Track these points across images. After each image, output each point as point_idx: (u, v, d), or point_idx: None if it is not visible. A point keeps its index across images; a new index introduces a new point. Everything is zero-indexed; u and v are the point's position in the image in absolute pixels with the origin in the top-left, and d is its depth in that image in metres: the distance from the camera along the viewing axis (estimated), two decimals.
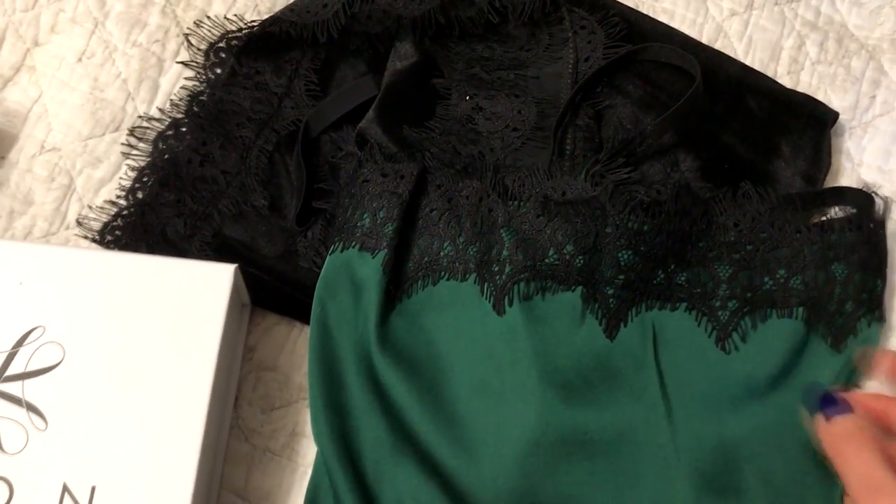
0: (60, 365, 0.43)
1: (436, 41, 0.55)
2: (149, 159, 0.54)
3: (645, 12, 0.57)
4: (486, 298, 0.47)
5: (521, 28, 0.55)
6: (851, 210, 0.48)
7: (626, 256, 0.46)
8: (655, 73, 0.55)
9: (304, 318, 0.49)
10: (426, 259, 0.48)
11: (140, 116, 0.55)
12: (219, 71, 0.55)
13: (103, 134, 0.55)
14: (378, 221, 0.48)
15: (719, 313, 0.47)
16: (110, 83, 0.56)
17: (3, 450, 0.41)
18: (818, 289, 0.46)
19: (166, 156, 0.53)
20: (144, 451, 0.42)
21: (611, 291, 0.47)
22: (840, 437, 0.41)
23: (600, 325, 0.46)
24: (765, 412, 0.44)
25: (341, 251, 0.48)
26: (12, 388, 0.42)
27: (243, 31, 0.55)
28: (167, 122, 0.54)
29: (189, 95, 0.55)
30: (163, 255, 0.46)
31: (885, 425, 0.42)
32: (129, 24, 0.58)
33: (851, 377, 0.46)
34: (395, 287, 0.47)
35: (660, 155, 0.52)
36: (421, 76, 0.54)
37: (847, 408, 0.41)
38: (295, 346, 0.51)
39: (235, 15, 0.58)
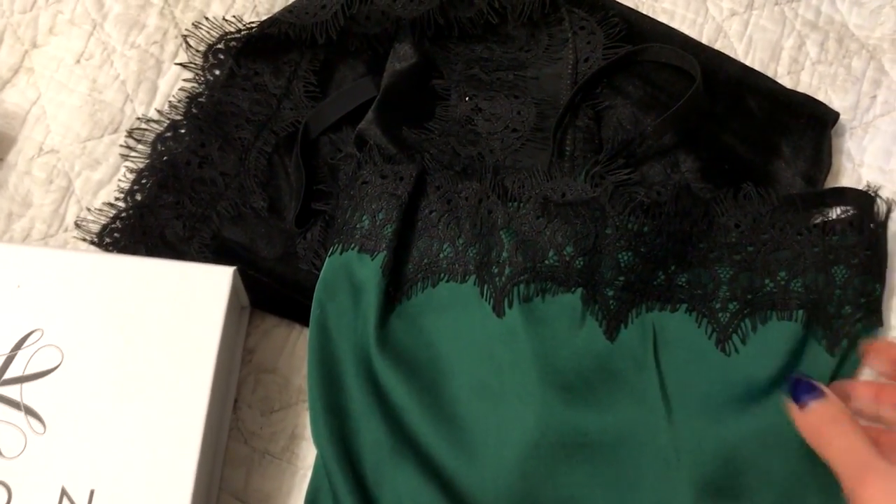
0: (59, 368, 0.43)
1: (435, 42, 0.55)
2: (147, 161, 0.53)
3: (645, 12, 0.57)
4: (486, 300, 0.46)
5: (521, 29, 0.55)
6: (852, 211, 0.48)
7: (626, 258, 0.46)
8: (655, 73, 0.54)
9: (304, 320, 0.49)
10: (426, 261, 0.48)
11: (139, 118, 0.55)
12: (217, 72, 0.55)
13: (102, 136, 0.55)
14: (377, 223, 0.47)
15: (720, 315, 0.46)
16: (109, 85, 0.56)
17: (1, 454, 0.41)
18: (818, 292, 0.46)
19: (165, 157, 0.53)
20: (143, 454, 0.41)
21: (611, 293, 0.46)
22: (821, 422, 0.41)
23: (600, 326, 0.46)
24: (765, 414, 0.44)
25: (340, 253, 0.47)
26: (10, 391, 0.42)
27: (242, 33, 0.55)
28: (166, 124, 0.54)
29: (188, 97, 0.55)
30: (161, 258, 0.46)
31: (873, 412, 0.42)
32: (128, 25, 0.57)
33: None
34: (395, 289, 0.47)
35: (660, 156, 0.52)
36: (420, 77, 0.54)
37: (821, 392, 0.42)
38: (294, 349, 0.51)
39: (234, 16, 0.58)
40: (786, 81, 0.56)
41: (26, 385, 0.42)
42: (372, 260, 0.47)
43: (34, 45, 0.57)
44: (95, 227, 0.52)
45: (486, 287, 0.47)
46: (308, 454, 0.49)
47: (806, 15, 0.59)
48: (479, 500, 0.43)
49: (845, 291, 0.46)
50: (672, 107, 0.51)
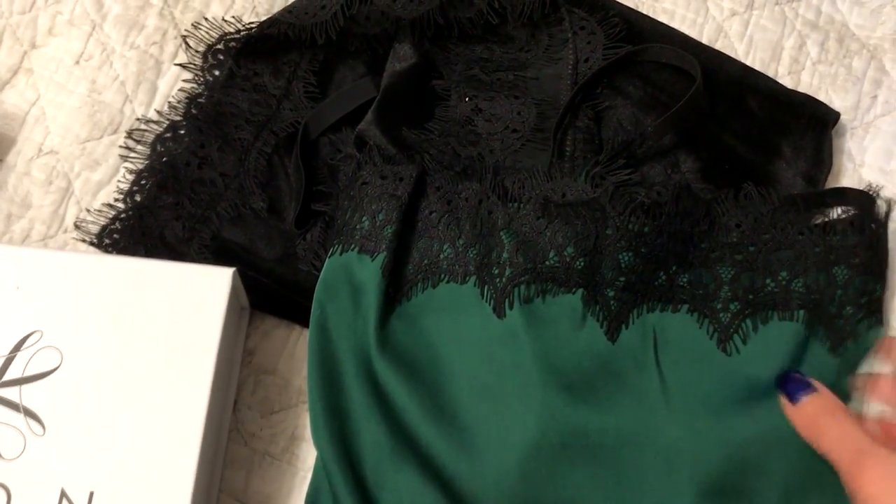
0: (58, 369, 0.42)
1: (435, 42, 0.55)
2: (147, 162, 0.53)
3: (645, 12, 0.57)
4: (487, 301, 0.46)
5: (521, 29, 0.55)
6: (853, 211, 0.48)
7: (626, 258, 0.46)
8: (655, 73, 0.54)
9: (304, 322, 0.48)
10: (426, 262, 0.48)
11: (138, 119, 0.55)
12: (217, 73, 0.55)
13: (101, 136, 0.55)
14: (377, 224, 0.47)
15: (721, 315, 0.46)
16: (108, 85, 0.56)
17: (0, 455, 0.41)
18: (819, 292, 0.46)
19: (164, 158, 0.53)
20: (143, 456, 0.41)
21: (612, 293, 0.46)
22: (815, 415, 0.41)
23: (601, 327, 0.46)
24: (766, 414, 0.44)
25: (340, 254, 0.47)
26: (10, 393, 0.42)
27: (241, 33, 0.55)
28: (165, 125, 0.54)
29: (187, 98, 0.55)
30: (161, 259, 0.46)
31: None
32: (127, 26, 0.57)
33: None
34: (395, 290, 0.47)
35: (660, 156, 0.52)
36: (420, 78, 0.54)
37: (812, 387, 0.42)
38: (294, 350, 0.51)
39: (233, 17, 0.58)
40: (786, 81, 0.56)
41: (25, 387, 0.42)
42: (372, 261, 0.47)
43: (33, 46, 0.57)
44: (95, 228, 0.52)
45: (486, 288, 0.47)
46: (308, 455, 0.49)
47: (806, 15, 0.59)
48: (480, 502, 0.43)
49: (846, 291, 0.46)
50: (672, 107, 0.51)
